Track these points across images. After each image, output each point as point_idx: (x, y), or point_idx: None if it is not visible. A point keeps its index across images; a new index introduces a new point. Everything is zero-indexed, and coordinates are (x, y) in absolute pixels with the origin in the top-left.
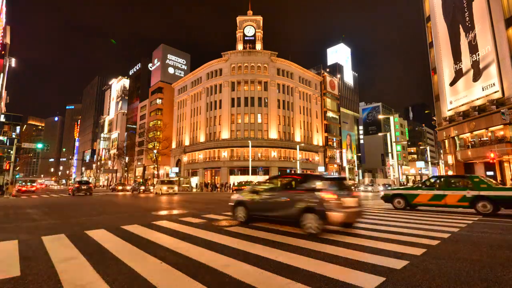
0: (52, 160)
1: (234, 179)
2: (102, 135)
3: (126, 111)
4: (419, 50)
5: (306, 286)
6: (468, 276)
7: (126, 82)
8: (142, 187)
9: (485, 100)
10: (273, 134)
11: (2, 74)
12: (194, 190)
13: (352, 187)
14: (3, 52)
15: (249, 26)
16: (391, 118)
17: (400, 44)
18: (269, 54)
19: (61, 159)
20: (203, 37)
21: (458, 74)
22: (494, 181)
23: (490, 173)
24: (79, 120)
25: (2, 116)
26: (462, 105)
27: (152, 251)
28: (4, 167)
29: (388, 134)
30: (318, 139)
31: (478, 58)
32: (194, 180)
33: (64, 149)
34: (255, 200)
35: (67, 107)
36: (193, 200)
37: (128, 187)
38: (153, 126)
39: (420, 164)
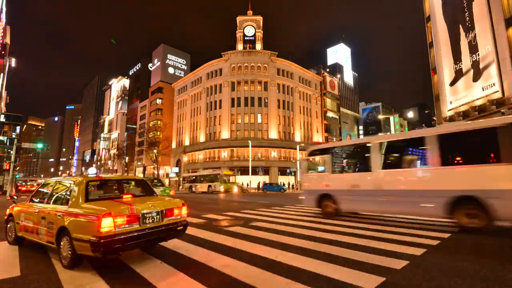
0: (52, 160)
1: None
2: (102, 135)
3: (126, 111)
4: (419, 50)
5: (306, 286)
6: (468, 276)
7: (126, 82)
8: None
9: (485, 100)
10: (273, 134)
11: (2, 74)
12: None
13: None
14: (3, 52)
15: (249, 26)
16: (391, 118)
17: (400, 44)
18: (269, 54)
19: (61, 159)
20: (203, 37)
21: (458, 74)
22: None
23: None
24: (79, 120)
25: (2, 116)
26: (462, 105)
27: (152, 251)
28: (4, 167)
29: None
30: (318, 139)
31: (478, 58)
32: None
33: (64, 149)
34: None
35: (67, 107)
36: (193, 200)
37: None
38: (153, 126)
39: None
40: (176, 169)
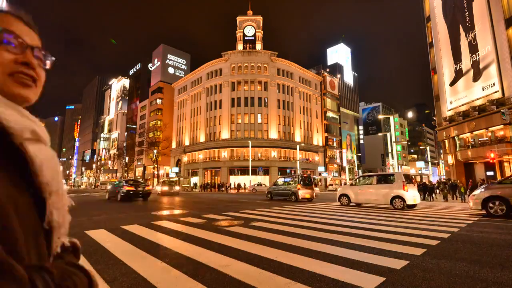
0: None
1: (234, 179)
2: (102, 135)
3: (126, 111)
4: (419, 50)
5: (306, 286)
6: (468, 276)
7: (126, 82)
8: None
9: (485, 100)
10: (273, 134)
11: None
12: (195, 190)
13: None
14: None
15: (249, 26)
16: (391, 118)
17: (400, 44)
18: (269, 54)
19: (61, 159)
20: (203, 37)
21: (458, 74)
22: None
23: (490, 173)
24: (79, 120)
25: None
26: (462, 105)
27: (152, 251)
28: None
29: (388, 134)
30: (318, 139)
31: (478, 58)
32: (194, 180)
33: (64, 149)
34: None
35: (67, 107)
36: (193, 200)
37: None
38: (153, 126)
39: (420, 164)
40: (176, 169)
